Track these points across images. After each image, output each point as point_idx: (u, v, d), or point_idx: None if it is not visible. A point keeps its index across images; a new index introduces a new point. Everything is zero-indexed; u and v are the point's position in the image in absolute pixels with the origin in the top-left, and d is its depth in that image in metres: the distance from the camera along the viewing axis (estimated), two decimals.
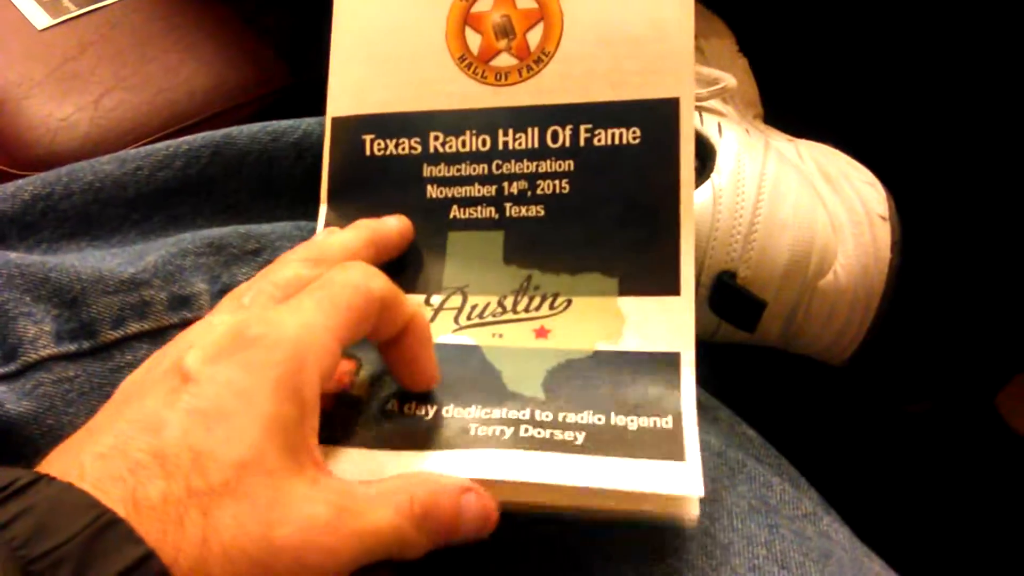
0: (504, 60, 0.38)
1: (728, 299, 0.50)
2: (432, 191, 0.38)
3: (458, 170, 0.38)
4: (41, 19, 0.71)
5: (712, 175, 0.50)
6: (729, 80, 0.54)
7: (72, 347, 0.37)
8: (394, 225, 0.38)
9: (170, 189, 0.43)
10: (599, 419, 0.32)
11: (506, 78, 0.38)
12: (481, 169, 0.38)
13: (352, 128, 0.40)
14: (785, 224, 0.50)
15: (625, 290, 0.36)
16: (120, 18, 0.72)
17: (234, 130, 0.44)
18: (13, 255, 0.38)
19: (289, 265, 0.33)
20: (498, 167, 0.38)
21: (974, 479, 0.66)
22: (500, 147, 0.38)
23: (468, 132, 0.38)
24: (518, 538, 0.34)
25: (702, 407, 0.42)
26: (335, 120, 0.40)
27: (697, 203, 0.50)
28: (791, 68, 0.67)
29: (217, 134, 0.44)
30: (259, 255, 0.41)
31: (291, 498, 0.26)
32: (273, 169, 0.44)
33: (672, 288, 0.35)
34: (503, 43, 0.38)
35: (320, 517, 0.27)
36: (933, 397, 0.68)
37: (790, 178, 0.52)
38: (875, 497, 0.60)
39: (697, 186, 0.50)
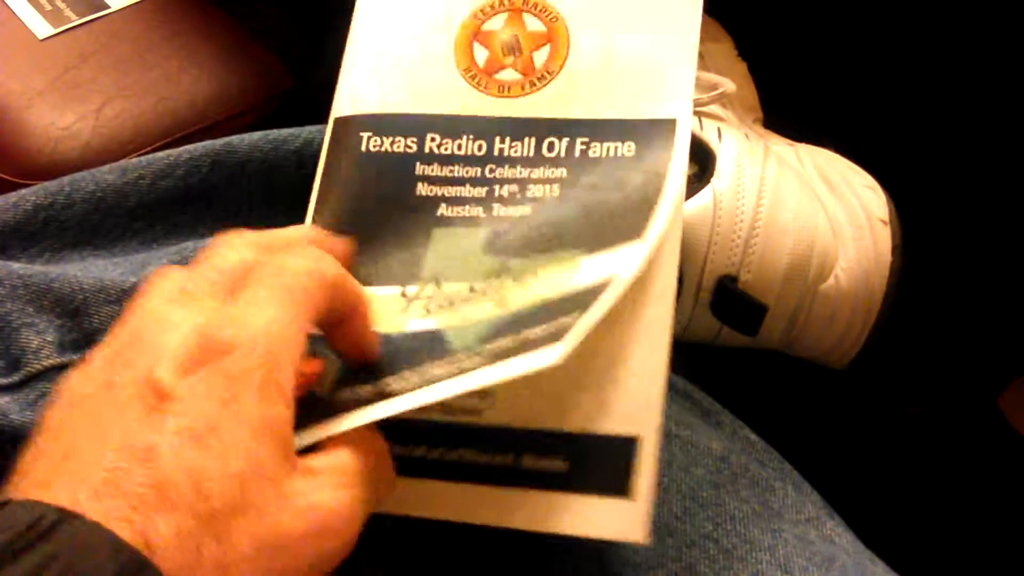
0: (509, 75, 0.39)
1: (729, 303, 0.50)
2: (422, 188, 0.38)
3: (451, 171, 0.38)
4: (42, 28, 0.71)
5: (712, 180, 0.51)
6: (728, 85, 0.54)
7: (75, 357, 0.37)
8: (339, 243, 0.36)
9: (171, 198, 0.43)
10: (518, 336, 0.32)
11: (508, 91, 0.39)
12: (474, 172, 0.38)
13: (352, 126, 0.40)
14: (786, 228, 0.50)
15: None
16: (121, 27, 0.72)
17: (235, 139, 0.44)
18: (16, 266, 0.38)
19: (234, 249, 0.31)
20: (491, 171, 0.38)
21: (978, 482, 0.66)
22: (496, 153, 0.38)
23: (465, 136, 0.38)
24: (514, 546, 0.34)
25: (704, 412, 0.42)
26: (337, 120, 0.40)
27: (697, 207, 0.50)
28: (790, 72, 0.68)
29: (218, 143, 0.44)
30: None
31: (296, 496, 0.26)
32: (274, 177, 0.44)
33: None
34: (509, 60, 0.39)
35: (326, 504, 0.27)
36: (935, 400, 0.68)
37: (790, 182, 0.52)
38: (878, 501, 0.60)
39: (697, 191, 0.50)
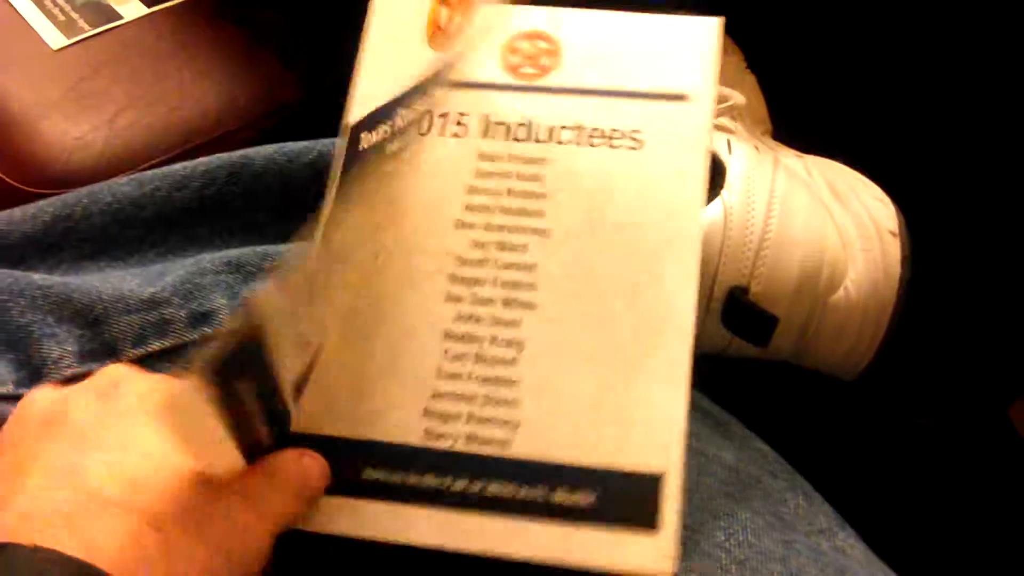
0: (455, 21, 0.38)
1: (740, 315, 0.50)
2: (388, 166, 0.37)
3: (405, 138, 0.37)
4: (56, 39, 0.71)
5: (722, 192, 0.51)
6: (738, 97, 0.54)
7: (95, 366, 0.37)
8: None
9: (188, 210, 0.44)
10: None
11: (451, 39, 0.38)
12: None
13: (356, 130, 0.40)
14: (795, 240, 0.50)
15: None
16: (134, 37, 0.73)
17: (251, 151, 0.45)
18: (36, 276, 0.38)
19: None
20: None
21: (988, 493, 0.66)
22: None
23: (418, 98, 0.37)
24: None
25: (715, 422, 0.42)
26: (352, 127, 0.40)
27: (708, 220, 0.50)
28: (799, 84, 0.68)
29: (234, 155, 0.44)
30: None
31: (218, 503, 0.27)
32: (289, 189, 0.44)
33: None
34: (458, 6, 0.38)
35: (240, 525, 0.28)
36: (945, 411, 0.68)
37: (800, 194, 0.52)
38: (890, 512, 0.60)
39: (708, 203, 0.51)
